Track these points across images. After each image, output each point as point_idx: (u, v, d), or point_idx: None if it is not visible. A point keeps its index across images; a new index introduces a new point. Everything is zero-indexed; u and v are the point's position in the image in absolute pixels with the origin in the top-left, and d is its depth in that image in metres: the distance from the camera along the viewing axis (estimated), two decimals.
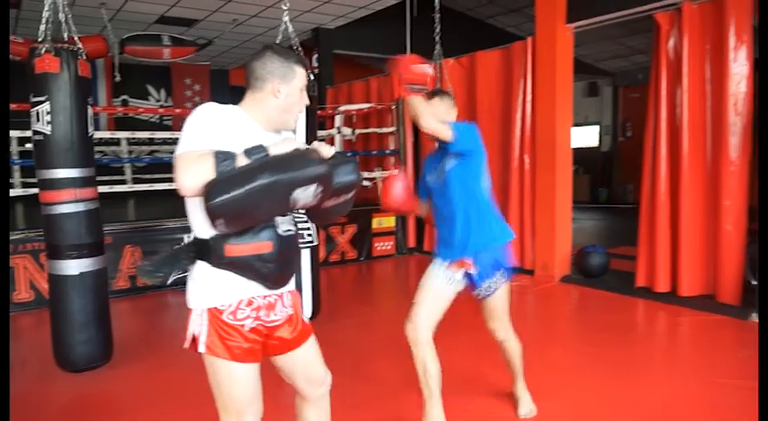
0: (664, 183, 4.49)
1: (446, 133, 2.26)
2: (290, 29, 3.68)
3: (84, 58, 3.14)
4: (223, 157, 1.44)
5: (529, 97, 5.51)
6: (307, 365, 1.83)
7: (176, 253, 1.65)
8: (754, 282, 4.07)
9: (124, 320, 4.39)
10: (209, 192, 1.40)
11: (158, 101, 10.57)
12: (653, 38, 4.60)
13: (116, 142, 8.44)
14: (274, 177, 1.43)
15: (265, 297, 1.65)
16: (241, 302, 1.61)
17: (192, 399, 2.75)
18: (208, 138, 1.49)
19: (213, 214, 1.42)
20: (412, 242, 7.09)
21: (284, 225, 1.65)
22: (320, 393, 1.88)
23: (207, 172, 1.42)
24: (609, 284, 5.03)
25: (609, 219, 9.68)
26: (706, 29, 4.23)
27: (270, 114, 1.64)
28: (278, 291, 1.69)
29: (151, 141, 10.00)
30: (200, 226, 1.57)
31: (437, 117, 2.32)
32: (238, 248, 1.55)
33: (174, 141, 9.17)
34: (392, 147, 7.25)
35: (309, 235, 3.61)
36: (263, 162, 1.47)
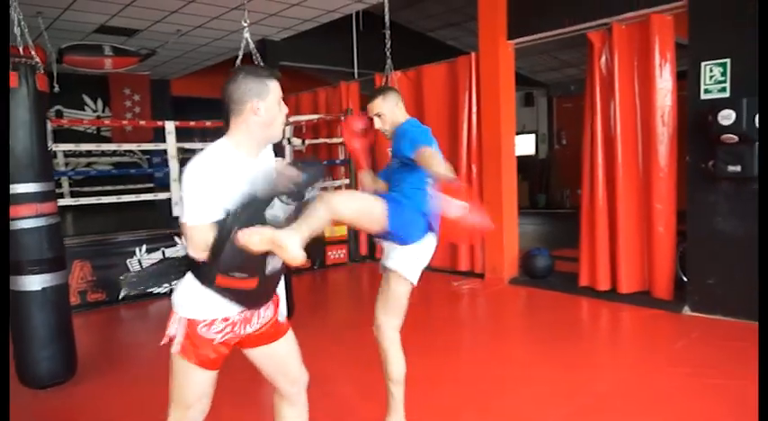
0: (601, 188, 4.84)
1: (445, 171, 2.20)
2: (251, 45, 3.75)
3: (42, 71, 3.11)
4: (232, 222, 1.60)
5: (474, 108, 5.78)
6: (283, 360, 1.94)
7: (165, 268, 1.78)
8: (685, 279, 4.45)
9: (80, 336, 4.28)
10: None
11: (95, 111, 10.24)
12: (587, 54, 4.96)
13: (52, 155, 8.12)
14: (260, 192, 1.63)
15: (241, 312, 1.77)
16: (216, 320, 1.73)
17: (156, 414, 2.78)
18: (211, 203, 1.61)
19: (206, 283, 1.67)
20: (364, 250, 7.22)
21: (273, 263, 1.75)
22: (296, 391, 1.98)
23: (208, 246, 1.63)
24: (554, 285, 5.34)
25: (549, 224, 10.16)
26: (634, 47, 4.62)
27: (254, 134, 1.72)
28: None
29: (89, 153, 9.70)
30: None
31: (388, 117, 2.41)
32: (227, 281, 1.67)
33: (114, 153, 8.87)
34: (342, 157, 7.38)
35: None
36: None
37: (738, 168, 3.85)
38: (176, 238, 5.60)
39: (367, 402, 2.99)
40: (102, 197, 5.99)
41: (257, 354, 1.90)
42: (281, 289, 3.77)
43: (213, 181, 1.62)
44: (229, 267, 1.64)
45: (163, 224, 6.28)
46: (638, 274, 4.74)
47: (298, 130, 7.57)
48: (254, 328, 1.82)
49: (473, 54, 5.73)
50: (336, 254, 6.95)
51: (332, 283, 6.43)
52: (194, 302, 1.72)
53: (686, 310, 4.34)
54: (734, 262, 4.10)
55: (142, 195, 6.41)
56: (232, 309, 1.74)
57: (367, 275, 6.68)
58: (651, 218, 4.57)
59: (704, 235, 4.26)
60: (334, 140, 7.40)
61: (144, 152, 10.47)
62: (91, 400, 3.15)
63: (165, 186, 9.52)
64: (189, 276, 1.72)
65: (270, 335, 1.88)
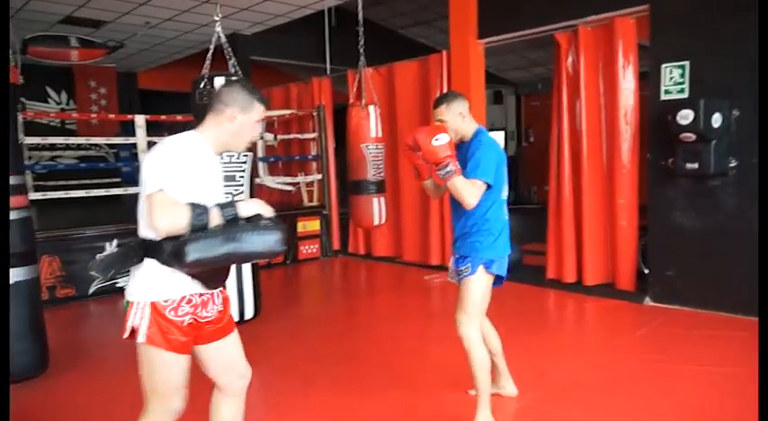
0: (568, 184, 5.00)
1: (479, 192, 2.37)
2: (223, 38, 3.76)
3: (15, 64, 3.08)
4: (199, 212, 1.68)
5: None
6: (231, 356, 1.99)
7: (126, 251, 1.79)
8: (646, 271, 4.65)
9: (51, 331, 4.23)
10: (184, 250, 1.64)
11: (59, 104, 10.01)
12: (554, 55, 5.12)
13: None
14: (240, 250, 1.71)
15: (201, 295, 1.83)
16: (183, 299, 1.78)
17: (129, 408, 2.81)
18: (176, 177, 1.71)
19: (185, 265, 1.68)
20: (336, 245, 7.28)
21: None
22: (240, 386, 2.02)
23: (182, 221, 1.66)
24: (522, 278, 5.48)
25: (517, 219, 10.25)
26: (599, 48, 4.78)
27: (223, 137, 1.87)
28: (211, 291, 1.88)
29: (53, 147, 9.47)
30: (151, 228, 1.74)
31: (451, 125, 2.44)
32: None
33: (79, 146, 8.70)
34: (314, 152, 7.41)
35: None
36: (233, 231, 1.70)
37: (696, 165, 4.04)
38: None
39: (338, 396, 3.06)
40: (71, 191, 5.90)
41: (210, 350, 1.93)
42: (247, 289, 3.85)
43: (182, 160, 1.75)
44: (202, 267, 1.71)
45: (133, 219, 6.21)
46: (602, 267, 4.93)
47: (270, 126, 7.57)
48: (210, 314, 1.87)
49: (444, 52, 5.83)
50: (309, 248, 6.98)
51: (304, 278, 6.46)
52: (157, 284, 1.75)
53: (647, 301, 4.53)
54: (692, 254, 4.31)
55: (112, 190, 6.33)
56: (192, 288, 1.79)
57: (339, 269, 6.75)
58: (614, 213, 4.75)
59: (664, 229, 4.46)
60: (306, 136, 7.42)
61: (111, 146, 10.30)
62: (65, 394, 3.15)
63: (132, 181, 9.43)
64: (146, 263, 1.76)
65: (222, 330, 1.93)
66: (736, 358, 3.37)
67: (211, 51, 3.62)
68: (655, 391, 2.99)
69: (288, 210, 6.89)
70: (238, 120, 1.84)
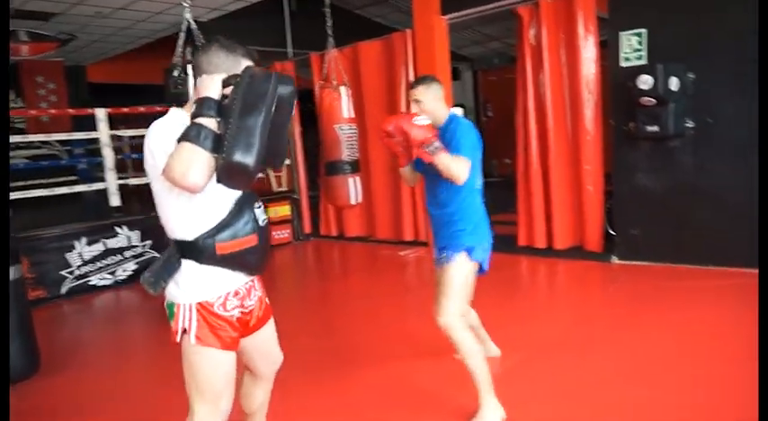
0: (535, 154, 5.18)
1: (467, 166, 2.35)
2: (194, 25, 3.73)
3: None
4: (195, 133, 1.47)
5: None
6: (269, 343, 1.96)
7: (168, 259, 1.69)
8: (612, 232, 4.89)
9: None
10: (230, 162, 1.44)
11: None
12: (516, 28, 5.24)
13: None
14: (265, 108, 1.47)
15: (245, 283, 1.77)
16: (229, 294, 1.70)
17: (123, 403, 2.89)
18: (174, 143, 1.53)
19: (242, 172, 1.46)
20: (308, 228, 7.31)
21: (261, 215, 1.75)
22: (274, 370, 2.02)
23: (202, 158, 1.46)
24: (494, 247, 5.61)
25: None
26: (560, 20, 4.93)
27: None
28: (254, 277, 1.82)
29: None
30: (184, 227, 1.64)
31: (426, 106, 2.43)
32: (229, 245, 1.64)
33: (31, 144, 8.33)
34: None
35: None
36: (242, 106, 1.47)
37: (656, 128, 4.26)
38: (117, 228, 5.49)
39: (314, 374, 3.12)
40: (31, 191, 5.73)
41: (254, 340, 1.86)
42: None
43: (175, 135, 1.53)
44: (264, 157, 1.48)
45: (92, 217, 6.10)
46: (571, 231, 5.15)
47: None
48: (253, 301, 1.81)
49: (408, 30, 5.88)
50: (280, 234, 6.99)
51: (277, 264, 6.46)
52: (200, 284, 1.66)
53: (614, 260, 4.78)
54: (653, 212, 4.56)
55: (76, 187, 6.18)
56: (238, 280, 1.73)
57: (313, 252, 6.80)
58: (581, 178, 4.96)
59: (627, 190, 4.69)
60: None
61: (63, 143, 9.97)
62: (60, 395, 3.12)
63: (89, 178, 9.16)
64: (184, 265, 1.66)
65: (263, 318, 1.88)
66: (701, 304, 3.64)
67: (183, 39, 3.58)
68: (632, 341, 3.20)
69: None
70: None
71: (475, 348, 2.43)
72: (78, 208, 7.43)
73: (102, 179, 5.95)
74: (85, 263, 5.28)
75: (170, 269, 1.66)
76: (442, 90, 2.55)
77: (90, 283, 5.32)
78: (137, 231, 5.57)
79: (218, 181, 1.52)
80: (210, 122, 1.50)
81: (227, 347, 1.71)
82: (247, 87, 1.50)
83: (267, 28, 8.01)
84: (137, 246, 5.58)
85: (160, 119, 1.61)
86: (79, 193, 7.21)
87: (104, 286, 5.39)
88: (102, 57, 9.91)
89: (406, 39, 5.89)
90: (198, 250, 1.62)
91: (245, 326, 1.79)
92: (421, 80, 2.53)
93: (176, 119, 1.60)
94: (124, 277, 5.49)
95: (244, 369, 1.99)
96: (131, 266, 5.53)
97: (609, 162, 4.83)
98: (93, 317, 4.97)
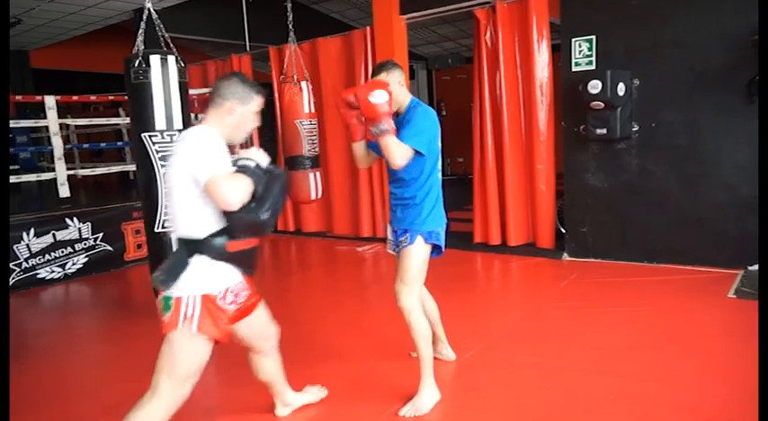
0: (491, 153, 5.34)
1: (408, 154, 2.36)
2: (154, 15, 3.68)
3: None
4: (257, 178, 1.89)
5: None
6: (262, 323, 2.23)
7: (178, 256, 1.92)
8: (563, 230, 5.11)
9: None
10: (257, 218, 1.89)
11: None
12: (474, 29, 5.39)
13: None
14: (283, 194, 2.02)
15: (240, 281, 2.02)
16: (228, 289, 1.96)
17: (85, 394, 2.90)
18: (222, 157, 1.86)
19: (264, 227, 1.94)
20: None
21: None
22: (271, 345, 2.29)
23: (248, 186, 1.85)
24: (450, 243, 5.73)
25: None
26: (515, 24, 5.10)
27: (225, 130, 1.99)
28: (249, 275, 2.08)
29: None
30: (197, 226, 1.91)
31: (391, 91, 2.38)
32: (240, 244, 1.96)
33: None
34: None
35: None
36: (275, 184, 1.97)
37: (605, 131, 4.48)
38: (68, 220, 5.33)
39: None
40: None
41: (246, 324, 2.10)
42: None
43: (219, 146, 1.91)
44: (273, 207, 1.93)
45: (36, 208, 5.90)
46: (524, 229, 5.35)
47: (190, 104, 7.35)
48: (245, 295, 2.04)
49: (368, 28, 5.94)
50: None
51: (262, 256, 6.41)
52: (207, 278, 1.91)
53: (565, 256, 5.00)
54: (601, 212, 4.80)
55: (24, 177, 5.95)
56: (236, 277, 1.98)
57: (269, 248, 6.77)
58: (533, 178, 5.15)
59: (577, 189, 4.91)
60: None
61: None
62: (26, 387, 3.04)
63: (31, 168, 8.79)
64: (194, 260, 1.90)
65: (254, 304, 2.13)
66: (645, 298, 3.87)
67: (143, 28, 3.52)
68: (582, 332, 3.38)
69: None
70: (237, 112, 1.97)
71: (426, 333, 2.56)
72: (18, 199, 7.13)
73: (44, 169, 5.76)
74: (33, 255, 5.11)
75: (181, 265, 1.89)
76: (404, 75, 2.56)
77: (38, 277, 5.15)
78: (87, 223, 5.43)
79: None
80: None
81: (222, 336, 1.96)
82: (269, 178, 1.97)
83: (223, 18, 7.90)
84: (88, 238, 5.43)
85: (198, 132, 1.93)
86: (17, 184, 6.94)
87: (53, 279, 5.23)
88: (47, 42, 9.49)
89: (366, 36, 5.95)
90: (210, 247, 1.90)
91: (237, 318, 2.04)
92: (382, 66, 2.53)
93: (215, 136, 1.93)
94: (74, 270, 5.34)
95: (246, 351, 2.28)
96: (82, 259, 5.39)
97: (560, 162, 5.04)
98: (42, 309, 4.82)
